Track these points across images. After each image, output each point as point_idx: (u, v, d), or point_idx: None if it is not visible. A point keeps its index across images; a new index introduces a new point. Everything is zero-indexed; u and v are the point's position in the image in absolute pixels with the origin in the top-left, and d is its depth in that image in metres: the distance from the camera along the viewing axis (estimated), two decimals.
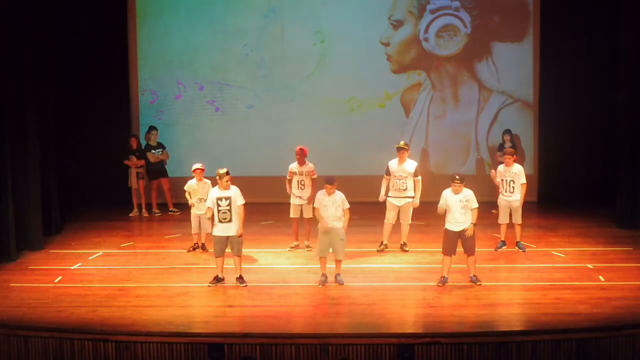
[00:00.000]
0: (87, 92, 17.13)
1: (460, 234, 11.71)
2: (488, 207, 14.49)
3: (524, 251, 13.42)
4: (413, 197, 13.31)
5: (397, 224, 13.50)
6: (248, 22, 17.47)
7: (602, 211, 15.86)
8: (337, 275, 11.95)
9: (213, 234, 11.92)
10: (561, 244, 13.96)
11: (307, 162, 13.60)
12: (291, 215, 13.70)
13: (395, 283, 11.97)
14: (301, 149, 13.60)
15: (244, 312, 11.03)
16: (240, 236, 11.82)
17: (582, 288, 11.61)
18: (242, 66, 17.55)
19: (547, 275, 12.22)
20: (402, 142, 13.59)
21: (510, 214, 13.41)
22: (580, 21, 16.83)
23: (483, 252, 12.87)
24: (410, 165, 13.35)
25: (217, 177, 11.83)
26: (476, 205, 11.72)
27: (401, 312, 10.91)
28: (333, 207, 11.80)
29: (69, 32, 16.67)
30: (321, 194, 11.93)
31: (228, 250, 11.87)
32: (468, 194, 11.70)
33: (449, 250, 11.77)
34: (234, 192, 11.80)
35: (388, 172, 13.43)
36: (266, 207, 15.99)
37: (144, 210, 16.62)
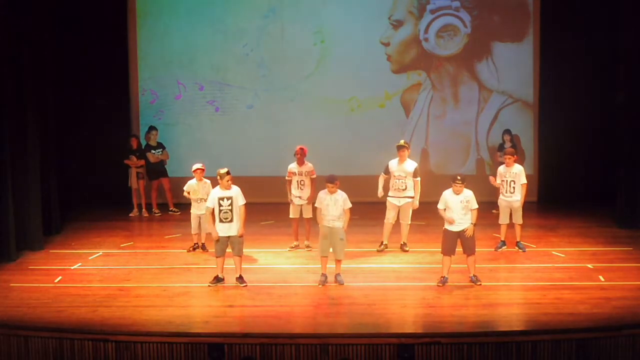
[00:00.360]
0: (87, 92, 17.13)
1: (460, 234, 11.72)
2: (488, 207, 14.51)
3: (524, 251, 13.42)
4: (412, 197, 13.31)
5: (397, 224, 13.50)
6: (248, 22, 17.47)
7: (602, 211, 15.87)
8: (337, 275, 11.95)
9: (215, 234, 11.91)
10: (561, 244, 13.96)
11: (306, 162, 13.61)
12: (291, 216, 13.70)
13: (395, 283, 11.96)
14: (301, 149, 13.60)
15: (244, 312, 11.02)
16: (241, 236, 11.83)
17: (582, 288, 11.60)
18: (242, 66, 17.54)
19: (547, 275, 12.21)
20: (402, 141, 13.59)
21: (511, 214, 13.42)
22: (580, 21, 16.83)
23: (483, 252, 12.87)
24: (410, 165, 13.33)
25: (218, 177, 11.82)
26: (476, 206, 11.71)
27: (401, 312, 10.90)
28: (334, 206, 11.79)
29: (69, 32, 16.67)
30: (323, 193, 11.91)
31: (228, 250, 11.88)
32: (468, 194, 11.70)
33: (448, 251, 11.77)
34: (236, 192, 11.80)
35: (387, 171, 13.43)
36: (266, 207, 15.99)
37: (144, 210, 16.62)
